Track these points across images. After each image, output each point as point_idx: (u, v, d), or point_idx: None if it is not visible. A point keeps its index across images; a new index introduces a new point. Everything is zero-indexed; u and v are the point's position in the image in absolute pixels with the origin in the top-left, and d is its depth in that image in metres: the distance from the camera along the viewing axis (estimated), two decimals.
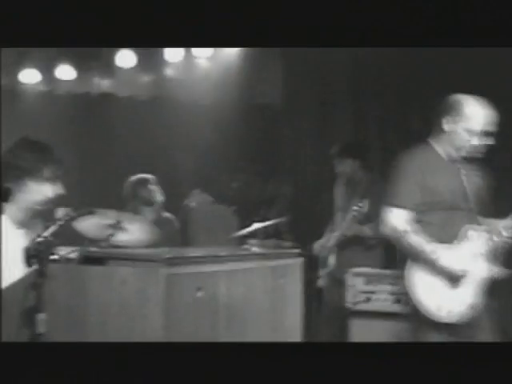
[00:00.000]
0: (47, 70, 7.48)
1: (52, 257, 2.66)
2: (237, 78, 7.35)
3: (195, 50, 7.40)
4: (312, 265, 5.77)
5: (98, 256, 2.89)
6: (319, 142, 6.97)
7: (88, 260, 2.90)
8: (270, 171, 7.59)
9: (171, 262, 2.78)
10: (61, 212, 3.08)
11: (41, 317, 2.55)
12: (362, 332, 5.37)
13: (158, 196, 5.92)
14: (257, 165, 7.60)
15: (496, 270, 4.04)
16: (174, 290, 2.77)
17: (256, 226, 6.07)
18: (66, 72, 7.49)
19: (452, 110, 4.04)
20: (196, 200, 6.77)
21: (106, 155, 7.53)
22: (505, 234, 4.03)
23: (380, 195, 5.93)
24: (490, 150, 4.08)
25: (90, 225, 3.59)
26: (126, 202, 5.84)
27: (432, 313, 3.97)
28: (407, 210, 4.05)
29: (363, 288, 5.50)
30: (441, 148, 4.12)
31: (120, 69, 7.48)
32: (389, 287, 5.42)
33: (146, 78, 7.76)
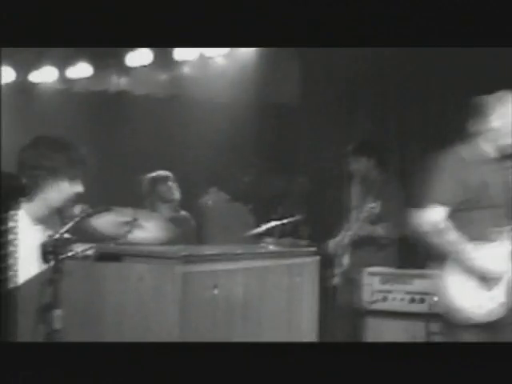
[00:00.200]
0: (64, 69, 7.50)
1: (68, 253, 2.67)
2: (253, 76, 7.34)
3: (211, 48, 7.40)
4: (327, 263, 5.76)
5: (114, 253, 2.90)
6: (336, 141, 6.94)
7: (104, 257, 2.90)
8: (285, 169, 7.58)
9: (187, 259, 2.78)
10: (78, 209, 3.09)
11: (57, 313, 2.56)
12: (377, 331, 5.36)
13: (176, 193, 5.93)
14: (272, 163, 7.59)
15: None
16: (190, 288, 2.76)
17: (272, 224, 6.06)
18: (82, 70, 7.51)
19: (499, 106, 4.02)
20: (212, 198, 6.77)
21: (123, 153, 7.54)
22: None
23: (394, 195, 5.96)
24: None
25: (106, 222, 3.59)
26: (144, 198, 5.85)
27: (465, 311, 3.95)
28: (446, 207, 4.03)
29: (379, 287, 5.49)
30: (486, 145, 4.09)
31: (136, 67, 7.49)
32: (405, 286, 5.41)
33: (162, 76, 7.77)
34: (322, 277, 3.80)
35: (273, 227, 5.95)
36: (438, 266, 4.04)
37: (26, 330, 2.59)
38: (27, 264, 2.86)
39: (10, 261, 2.56)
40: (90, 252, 2.92)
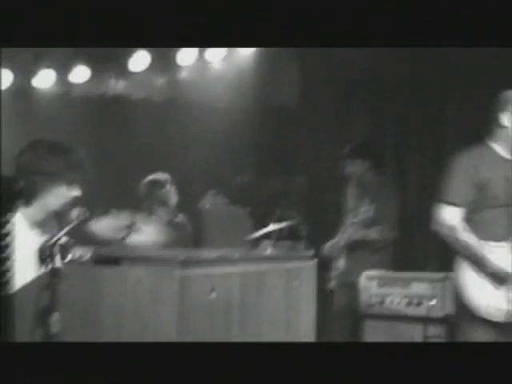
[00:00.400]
0: (62, 72, 7.50)
1: (66, 257, 2.68)
2: (251, 79, 7.34)
3: (209, 52, 7.41)
4: (324, 267, 5.77)
5: (112, 256, 2.90)
6: (335, 143, 6.95)
7: (102, 260, 2.91)
8: (284, 171, 7.58)
9: (185, 263, 2.79)
10: (75, 213, 3.10)
11: (55, 317, 2.56)
12: (374, 334, 5.36)
13: (173, 197, 5.93)
14: (271, 166, 7.59)
15: None
16: (187, 292, 2.77)
17: (271, 227, 6.07)
18: (81, 74, 7.51)
19: (510, 105, 4.04)
20: (210, 202, 6.77)
21: (121, 157, 7.54)
22: None
23: (389, 198, 5.97)
24: None
25: (104, 226, 3.60)
26: (142, 201, 5.85)
27: (482, 311, 3.95)
28: (460, 207, 4.05)
29: (377, 291, 5.50)
30: (497, 144, 4.11)
31: (135, 71, 7.49)
32: (402, 290, 5.42)
33: (160, 80, 7.76)
34: (319, 280, 3.80)
35: (271, 231, 5.96)
36: (457, 264, 4.05)
37: (24, 334, 2.60)
38: (25, 268, 2.87)
39: (9, 264, 2.56)
40: (87, 256, 2.93)
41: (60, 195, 3.27)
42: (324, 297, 5.64)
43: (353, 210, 5.97)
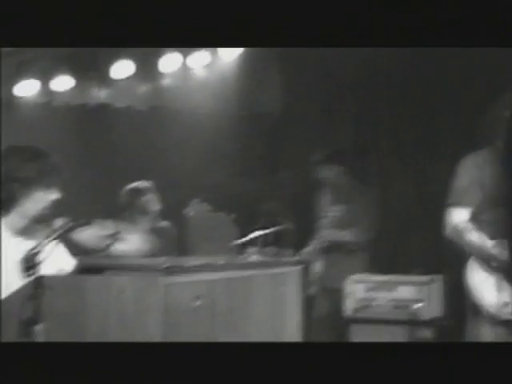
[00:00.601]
0: (45, 81, 7.48)
1: (49, 267, 2.67)
2: (234, 86, 7.35)
3: (192, 59, 7.40)
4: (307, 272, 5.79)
5: (95, 266, 2.89)
6: (319, 147, 6.96)
7: (86, 270, 2.90)
8: (269, 179, 7.59)
9: (169, 271, 2.78)
10: (58, 222, 3.09)
11: (39, 327, 2.55)
12: (362, 338, 5.36)
13: (155, 205, 5.91)
14: (256, 172, 7.60)
15: None
16: (172, 299, 2.76)
17: (255, 234, 6.07)
18: (63, 83, 7.49)
19: None
20: (195, 209, 6.76)
21: (105, 165, 7.52)
22: None
23: (361, 200, 6.01)
24: None
25: (88, 235, 3.59)
26: (123, 211, 5.83)
27: (490, 310, 3.96)
28: (467, 208, 4.07)
29: (363, 295, 5.50)
30: (502, 143, 4.12)
31: (117, 79, 7.48)
32: (389, 294, 5.43)
33: (143, 88, 7.75)
34: (304, 286, 3.81)
35: (256, 237, 5.96)
36: (467, 264, 4.07)
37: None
38: (10, 278, 2.86)
39: None
40: (71, 265, 2.92)
41: (38, 200, 3.25)
42: (310, 302, 5.64)
43: (325, 215, 6.01)
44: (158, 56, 7.30)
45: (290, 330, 3.59)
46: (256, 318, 3.30)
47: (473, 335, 4.08)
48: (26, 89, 7.46)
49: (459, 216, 4.09)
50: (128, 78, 7.45)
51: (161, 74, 7.57)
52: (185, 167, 7.36)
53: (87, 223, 3.11)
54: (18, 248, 3.08)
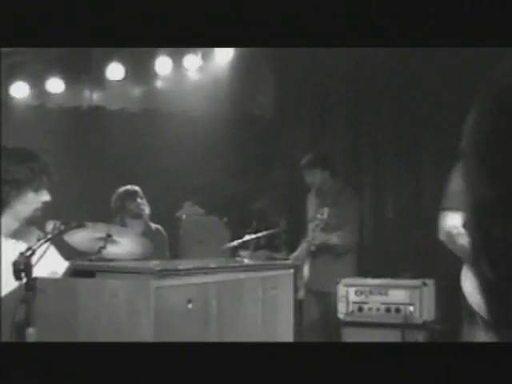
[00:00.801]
0: (37, 84, 7.48)
1: (42, 270, 2.66)
2: (227, 88, 7.36)
3: (185, 61, 7.40)
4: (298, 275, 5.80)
5: (87, 269, 2.89)
6: (310, 150, 6.98)
7: (78, 273, 2.90)
8: (262, 182, 7.60)
9: (161, 274, 2.78)
10: (51, 225, 3.09)
11: (30, 331, 2.55)
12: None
13: (145, 209, 5.92)
14: (249, 175, 7.60)
15: None
16: (164, 303, 2.76)
17: (247, 237, 6.09)
18: (56, 85, 7.49)
19: None
20: (187, 212, 6.76)
21: (97, 168, 7.52)
22: None
23: (348, 204, 6.04)
24: None
25: (80, 238, 3.59)
26: (114, 214, 5.83)
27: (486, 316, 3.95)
28: (461, 212, 4.07)
29: (355, 298, 5.51)
30: None
31: (110, 81, 7.48)
32: (380, 297, 5.44)
33: (136, 91, 7.76)
34: (295, 289, 3.81)
35: (248, 240, 5.97)
36: (463, 270, 4.07)
37: None
38: (4, 279, 2.86)
39: None
40: (63, 268, 2.92)
41: (29, 202, 3.25)
42: (300, 305, 5.65)
43: (311, 219, 6.03)
44: (151, 58, 7.31)
45: (282, 333, 3.60)
46: (248, 321, 3.30)
47: (468, 338, 4.09)
48: (19, 91, 7.46)
49: (453, 220, 4.09)
50: (121, 81, 7.46)
51: (154, 77, 7.58)
52: (178, 169, 7.36)
53: (79, 226, 3.11)
54: (10, 250, 3.08)
